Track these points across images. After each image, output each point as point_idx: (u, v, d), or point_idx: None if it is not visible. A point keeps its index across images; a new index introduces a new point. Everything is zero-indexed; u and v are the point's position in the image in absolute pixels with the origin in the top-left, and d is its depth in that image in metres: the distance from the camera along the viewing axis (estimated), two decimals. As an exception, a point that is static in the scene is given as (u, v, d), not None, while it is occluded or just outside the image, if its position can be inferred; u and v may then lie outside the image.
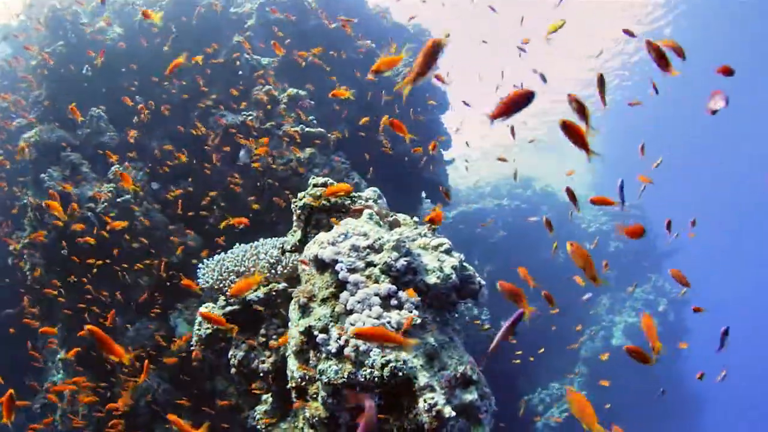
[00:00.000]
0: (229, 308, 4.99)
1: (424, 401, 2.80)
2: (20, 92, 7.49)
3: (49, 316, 6.15)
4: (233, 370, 4.68)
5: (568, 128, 2.33)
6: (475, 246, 12.51)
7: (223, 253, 5.24)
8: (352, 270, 3.33)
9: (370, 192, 4.66)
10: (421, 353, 3.07)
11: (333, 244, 3.48)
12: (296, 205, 3.97)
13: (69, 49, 6.91)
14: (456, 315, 4.39)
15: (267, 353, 4.65)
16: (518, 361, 8.22)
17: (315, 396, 3.45)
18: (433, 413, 2.74)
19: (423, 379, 2.92)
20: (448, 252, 3.80)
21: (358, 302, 3.18)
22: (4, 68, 8.04)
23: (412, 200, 9.53)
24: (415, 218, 4.47)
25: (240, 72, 7.13)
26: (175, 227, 6.83)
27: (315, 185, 4.03)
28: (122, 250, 6.08)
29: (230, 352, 4.71)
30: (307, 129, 7.05)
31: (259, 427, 4.58)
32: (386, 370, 2.85)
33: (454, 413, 2.77)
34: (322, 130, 7.22)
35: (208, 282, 4.86)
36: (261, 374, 4.48)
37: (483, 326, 8.88)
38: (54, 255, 5.98)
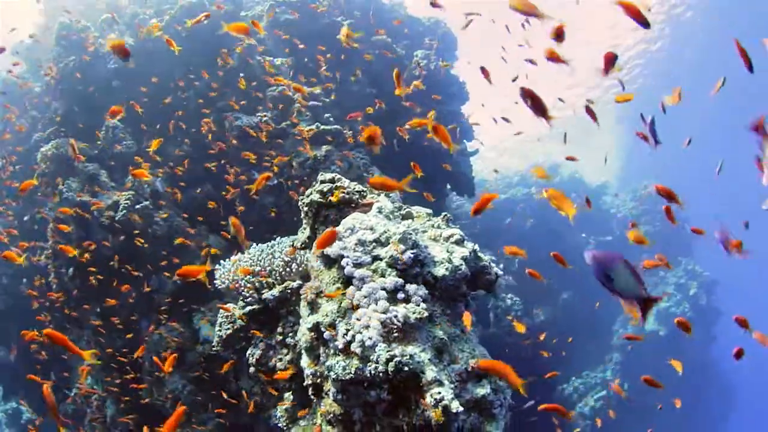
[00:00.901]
0: (248, 308, 5.02)
1: (431, 396, 2.72)
2: (39, 107, 7.74)
3: (76, 324, 6.32)
4: (251, 369, 4.70)
5: (526, 94, 2.42)
6: (504, 236, 12.38)
7: (239, 254, 5.28)
8: (358, 265, 3.27)
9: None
10: (430, 347, 3.00)
11: (339, 239, 3.43)
12: (303, 203, 3.93)
13: (81, 63, 7.08)
14: (473, 307, 4.29)
15: (284, 351, 4.65)
16: (547, 354, 8.03)
17: (329, 392, 3.41)
18: (440, 408, 2.66)
19: (430, 373, 2.83)
20: (459, 242, 3.71)
21: (365, 297, 3.12)
22: (19, 86, 8.34)
23: (437, 193, 9.40)
24: (420, 209, 4.38)
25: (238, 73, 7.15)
26: (197, 230, 6.92)
27: (322, 181, 3.98)
28: (144, 255, 6.19)
29: (248, 351, 4.73)
30: (322, 126, 7.02)
31: (280, 424, 4.58)
32: (391, 365, 2.78)
33: (461, 408, 2.68)
34: (338, 127, 7.18)
35: (224, 283, 4.89)
36: (278, 371, 4.48)
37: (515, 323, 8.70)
38: (77, 264, 6.12)
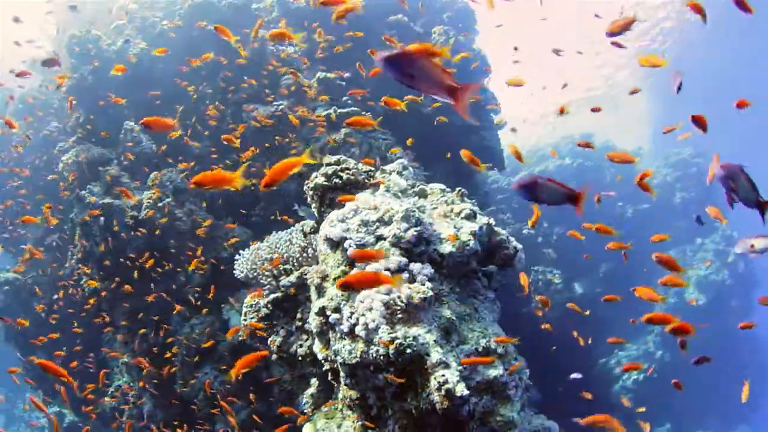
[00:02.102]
0: (272, 296, 5.02)
1: (435, 379, 2.60)
2: (59, 117, 7.99)
3: (109, 323, 6.52)
4: (273, 356, 4.69)
5: None
6: (541, 209, 12.08)
7: (259, 243, 5.28)
8: (362, 245, 3.17)
9: (394, 165, 4.47)
10: (436, 327, 2.87)
11: (342, 221, 3.33)
12: (308, 187, 3.85)
13: (94, 72, 7.23)
14: (498, 283, 4.11)
15: (304, 337, 4.62)
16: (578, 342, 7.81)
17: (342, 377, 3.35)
18: (443, 392, 2.53)
19: (436, 355, 2.71)
20: (469, 217, 3.54)
21: (368, 278, 3.01)
22: (38, 100, 8.65)
23: (467, 169, 9.19)
24: (436, 185, 4.22)
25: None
26: (223, 222, 6.98)
27: (327, 164, 3.89)
28: (170, 251, 6.29)
29: (269, 339, 4.72)
30: (339, 110, 6.93)
31: (306, 411, 4.58)
32: (391, 348, 2.67)
33: (467, 392, 2.55)
34: (355, 109, 7.07)
35: (243, 272, 4.90)
36: (299, 358, 4.46)
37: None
38: (106, 265, 6.30)
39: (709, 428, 11.61)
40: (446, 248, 3.14)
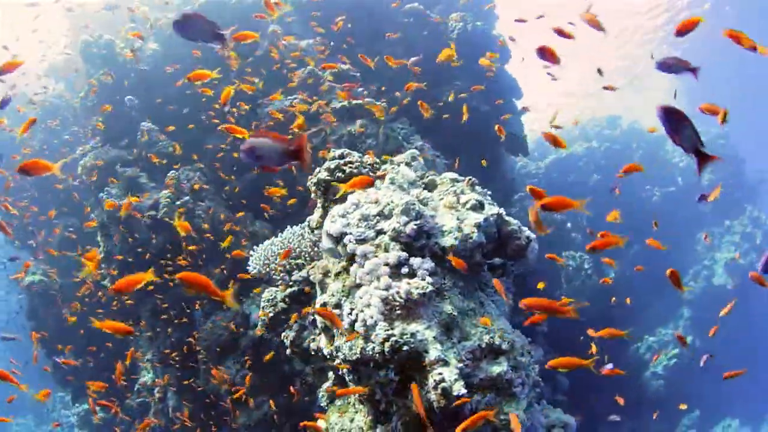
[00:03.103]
0: (289, 290, 5.03)
1: (432, 378, 2.53)
2: (78, 122, 8.20)
3: (134, 321, 6.68)
4: (288, 351, 4.70)
5: None
6: (570, 193, 11.93)
7: (275, 238, 5.29)
8: (361, 240, 3.11)
9: (403, 156, 4.39)
10: (436, 324, 2.79)
11: (343, 216, 3.27)
12: (311, 182, 3.80)
13: (108, 76, 7.38)
14: (511, 275, 4.00)
15: (317, 331, 4.61)
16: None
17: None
18: (439, 391, 2.46)
19: (434, 352, 2.63)
20: (475, 208, 3.43)
21: (367, 274, 2.96)
22: (60, 103, 8.89)
23: (494, 156, 9.01)
24: (448, 174, 4.11)
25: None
26: (242, 218, 7.04)
27: (331, 158, 3.83)
28: (191, 248, 6.38)
29: (283, 334, 4.73)
30: (354, 102, 6.85)
31: (322, 404, 4.59)
32: (387, 345, 2.61)
33: (464, 390, 2.46)
34: (370, 100, 6.98)
35: (255, 268, 4.92)
36: (312, 353, 4.45)
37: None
38: (127, 265, 6.45)
39: (737, 416, 11.27)
40: (448, 241, 3.04)
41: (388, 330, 2.66)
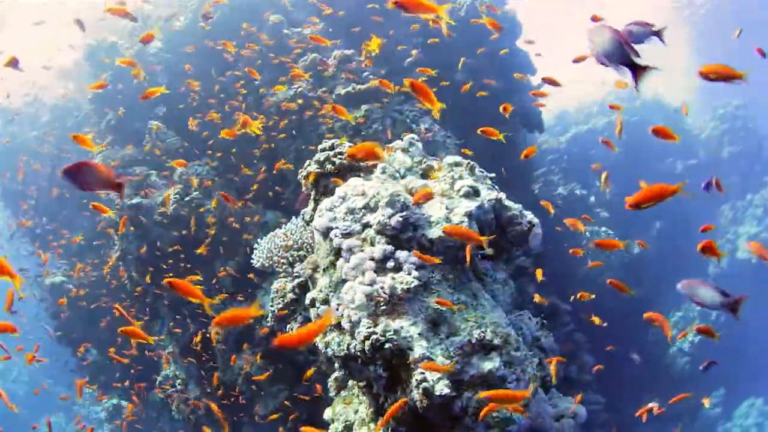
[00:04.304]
0: (297, 281, 5.02)
1: (414, 377, 2.44)
2: (91, 124, 8.33)
3: (153, 316, 6.81)
4: (294, 344, 4.69)
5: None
6: (587, 170, 11.79)
7: (278, 230, 5.26)
8: (347, 234, 3.02)
9: (399, 142, 4.26)
10: (422, 319, 2.69)
11: (330, 209, 3.19)
12: (302, 175, 3.72)
13: (114, 78, 7.41)
14: (513, 264, 3.87)
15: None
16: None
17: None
18: (421, 390, 2.37)
19: (419, 350, 2.55)
20: (468, 195, 3.29)
21: (352, 269, 2.88)
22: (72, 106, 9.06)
23: (512, 132, 8.79)
24: (449, 158, 3.96)
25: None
26: (254, 209, 7.04)
27: (322, 149, 3.74)
28: (202, 242, 6.43)
29: (287, 326, 4.73)
30: (358, 87, 6.72)
31: (331, 394, 4.59)
32: (367, 343, 2.53)
33: (447, 390, 2.37)
34: (376, 83, 6.83)
35: (259, 261, 4.90)
36: (314, 344, 4.43)
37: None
38: (144, 261, 6.54)
39: (762, 394, 10.98)
40: (435, 233, 2.93)
41: (370, 327, 2.58)
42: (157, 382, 6.85)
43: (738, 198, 12.30)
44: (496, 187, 4.01)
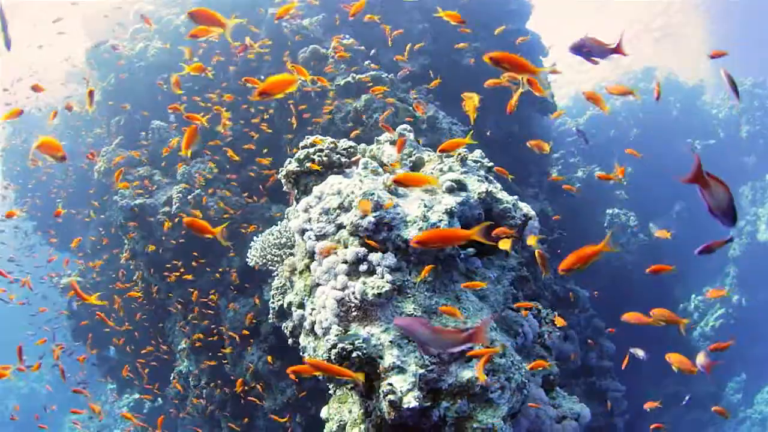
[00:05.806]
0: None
1: (382, 388, 2.32)
2: (99, 124, 8.40)
3: (163, 314, 6.85)
4: (290, 341, 4.63)
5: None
6: (611, 148, 11.54)
7: (273, 227, 5.19)
8: (321, 236, 2.91)
9: (387, 134, 4.10)
10: (394, 326, 2.56)
11: (306, 210, 3.07)
12: (282, 174, 3.60)
13: (118, 78, 7.42)
14: (501, 260, 3.69)
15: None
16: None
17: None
18: (388, 402, 2.25)
19: (389, 358, 2.42)
20: (451, 189, 3.13)
21: (325, 273, 2.77)
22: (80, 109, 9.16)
23: (525, 115, 8.54)
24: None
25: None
26: (259, 204, 7.00)
27: (303, 146, 3.61)
28: (208, 239, 6.42)
29: (284, 324, 4.66)
30: (358, 77, 6.56)
31: (330, 390, 4.54)
32: (333, 352, 2.42)
33: (415, 403, 2.24)
34: (376, 72, 6.66)
35: (253, 260, 4.83)
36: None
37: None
38: (152, 260, 6.58)
39: None
40: (411, 232, 2.77)
41: (337, 335, 2.47)
42: (171, 378, 6.94)
43: (757, 178, 11.93)
44: (490, 177, 3.81)
